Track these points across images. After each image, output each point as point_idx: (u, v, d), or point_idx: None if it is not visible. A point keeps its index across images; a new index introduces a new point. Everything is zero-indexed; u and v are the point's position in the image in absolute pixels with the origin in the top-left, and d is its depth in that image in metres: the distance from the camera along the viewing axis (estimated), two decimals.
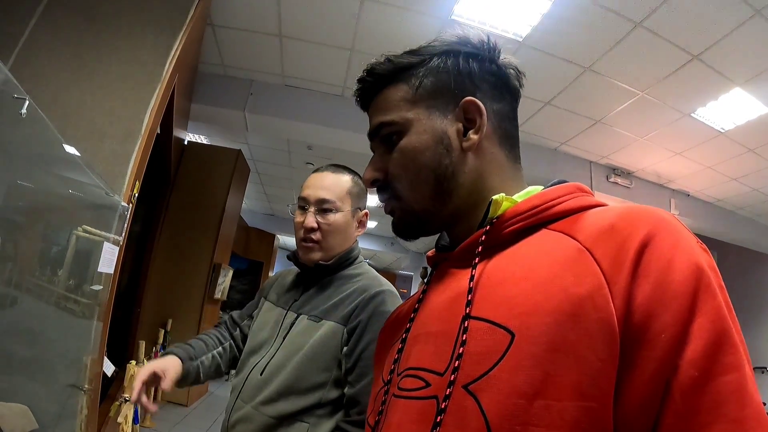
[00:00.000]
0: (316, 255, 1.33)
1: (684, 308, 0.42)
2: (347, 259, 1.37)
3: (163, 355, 1.33)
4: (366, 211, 1.44)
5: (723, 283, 0.46)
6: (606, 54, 3.63)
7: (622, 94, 4.16)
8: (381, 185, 0.69)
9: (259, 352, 1.30)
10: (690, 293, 0.43)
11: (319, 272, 1.35)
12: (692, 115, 4.30)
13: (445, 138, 0.64)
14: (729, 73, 3.66)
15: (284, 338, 1.26)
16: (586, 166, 5.59)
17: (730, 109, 4.10)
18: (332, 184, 1.36)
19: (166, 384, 1.20)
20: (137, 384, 1.16)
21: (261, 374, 1.23)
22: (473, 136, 0.63)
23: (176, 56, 2.69)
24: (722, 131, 4.51)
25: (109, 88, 2.47)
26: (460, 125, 0.64)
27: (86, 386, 1.98)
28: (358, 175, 1.44)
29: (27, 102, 1.15)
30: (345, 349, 1.20)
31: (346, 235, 1.37)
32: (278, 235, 11.51)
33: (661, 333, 0.42)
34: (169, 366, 1.24)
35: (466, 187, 0.64)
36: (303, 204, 1.35)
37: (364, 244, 12.35)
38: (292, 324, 1.28)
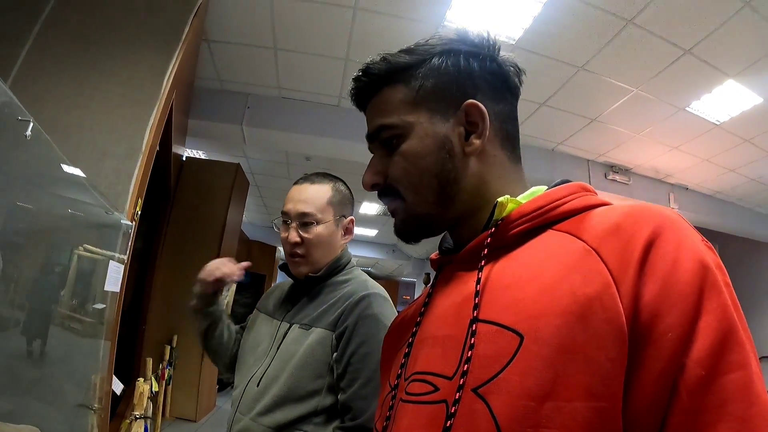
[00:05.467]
0: (304, 269, 1.34)
1: (690, 307, 0.42)
2: (336, 266, 1.37)
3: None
4: (351, 217, 1.43)
5: (729, 281, 0.46)
6: (599, 53, 3.65)
7: (616, 92, 4.17)
8: (382, 189, 0.68)
9: (255, 364, 1.30)
10: (696, 292, 0.43)
11: (311, 282, 1.35)
12: (687, 108, 4.31)
13: (447, 143, 0.63)
14: (722, 66, 3.67)
15: (278, 348, 1.27)
16: (584, 164, 5.60)
17: (724, 101, 4.12)
18: (312, 197, 1.35)
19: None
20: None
21: (257, 385, 1.23)
22: (476, 141, 0.63)
23: (173, 74, 2.71)
24: (717, 123, 4.52)
25: (108, 108, 2.49)
26: (462, 129, 0.63)
27: (96, 405, 1.98)
28: (341, 181, 1.44)
29: (31, 124, 1.16)
30: (335, 355, 1.20)
31: (331, 245, 1.37)
32: (279, 248, 11.47)
33: (668, 332, 0.42)
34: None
35: (469, 191, 0.64)
36: (285, 219, 1.36)
37: (365, 253, 12.31)
38: (285, 334, 1.28)
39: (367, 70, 0.67)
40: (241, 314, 9.43)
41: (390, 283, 16.27)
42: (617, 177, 5.64)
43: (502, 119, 0.66)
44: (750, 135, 4.72)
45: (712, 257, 0.46)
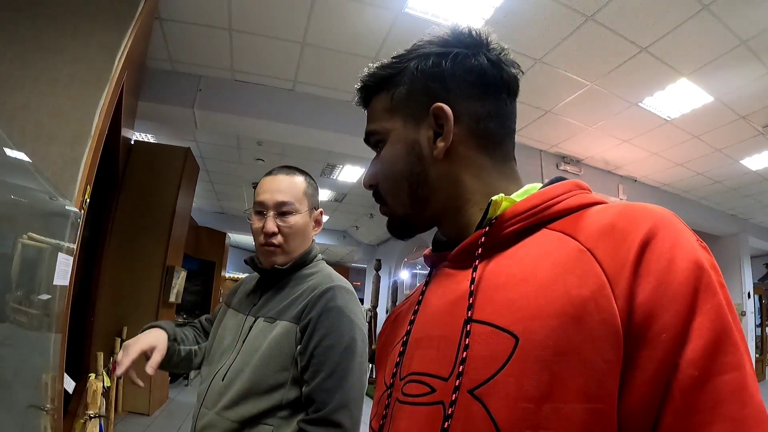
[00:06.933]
0: (279, 258, 1.33)
1: (684, 308, 0.42)
2: (304, 260, 1.37)
3: (149, 327, 1.32)
4: (321, 209, 1.46)
5: (723, 281, 0.46)
6: (557, 46, 3.72)
7: (572, 85, 4.28)
8: (375, 190, 0.71)
9: (221, 359, 1.29)
10: (690, 293, 0.43)
11: (277, 274, 1.35)
12: (639, 104, 4.48)
13: (416, 147, 0.65)
14: (676, 65, 3.82)
15: (243, 342, 1.26)
16: (537, 155, 5.74)
17: (676, 98, 4.30)
18: (289, 187, 1.36)
19: (152, 365, 1.21)
20: (126, 362, 1.17)
21: (222, 380, 1.22)
22: (440, 143, 0.63)
23: (125, 53, 2.56)
24: (668, 119, 4.72)
25: (55, 88, 2.32)
26: (431, 133, 0.64)
27: (48, 405, 1.87)
28: (309, 175, 1.46)
29: None
30: (299, 347, 1.20)
31: (306, 236, 1.39)
32: (229, 233, 11.26)
33: (662, 333, 0.42)
34: (158, 343, 1.25)
35: (444, 191, 0.65)
36: (260, 209, 1.34)
37: (315, 238, 12.22)
38: (251, 328, 1.28)
39: (363, 80, 0.70)
40: (192, 302, 9.22)
41: (340, 269, 16.27)
42: (568, 168, 5.82)
43: (478, 118, 0.64)
44: (699, 132, 4.95)
45: (707, 257, 0.46)
